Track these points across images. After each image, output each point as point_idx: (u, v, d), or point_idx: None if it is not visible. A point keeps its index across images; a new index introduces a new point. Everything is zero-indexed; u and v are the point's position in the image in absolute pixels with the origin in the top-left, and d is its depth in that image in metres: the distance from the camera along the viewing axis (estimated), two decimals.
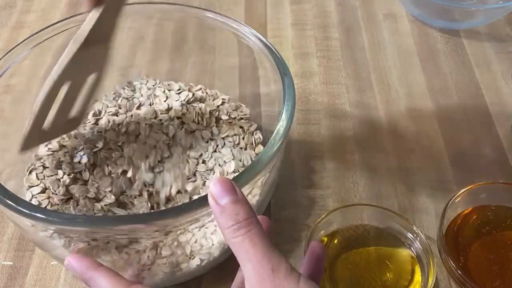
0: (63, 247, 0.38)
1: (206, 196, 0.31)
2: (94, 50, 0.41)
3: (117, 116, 0.50)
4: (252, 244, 0.29)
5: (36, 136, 0.42)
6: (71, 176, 0.45)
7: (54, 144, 0.48)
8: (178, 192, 0.45)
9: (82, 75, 0.43)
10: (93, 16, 0.39)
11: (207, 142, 0.49)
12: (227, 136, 0.49)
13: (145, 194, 0.45)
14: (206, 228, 0.41)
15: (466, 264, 0.43)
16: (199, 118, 0.50)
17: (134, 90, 0.54)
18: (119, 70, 0.55)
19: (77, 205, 0.44)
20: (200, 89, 0.54)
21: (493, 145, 0.56)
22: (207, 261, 0.42)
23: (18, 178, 0.46)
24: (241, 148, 0.49)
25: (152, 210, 0.44)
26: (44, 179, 0.46)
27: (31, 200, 0.45)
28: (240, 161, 0.48)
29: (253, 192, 0.41)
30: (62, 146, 0.48)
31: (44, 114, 0.41)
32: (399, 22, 0.70)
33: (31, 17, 0.71)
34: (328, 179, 0.53)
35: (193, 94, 0.52)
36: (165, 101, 0.52)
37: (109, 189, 0.45)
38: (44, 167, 0.47)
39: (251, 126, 0.51)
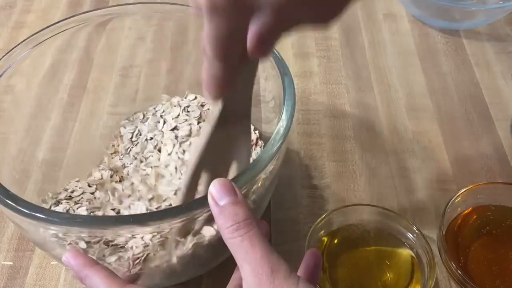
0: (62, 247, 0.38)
1: (206, 196, 0.31)
2: (233, 132, 0.37)
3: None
4: (251, 245, 0.29)
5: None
6: None
7: None
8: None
9: (224, 163, 0.38)
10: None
11: None
12: None
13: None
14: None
15: (466, 264, 0.43)
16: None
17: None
18: (119, 70, 0.55)
19: None
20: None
21: (493, 145, 0.56)
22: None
23: (18, 178, 0.46)
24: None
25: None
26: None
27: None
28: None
29: (253, 192, 0.41)
30: None
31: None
32: (399, 22, 0.70)
33: (31, 17, 0.71)
34: (328, 179, 0.53)
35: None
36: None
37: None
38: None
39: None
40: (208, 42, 0.30)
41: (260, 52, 0.30)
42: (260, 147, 0.50)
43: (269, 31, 0.29)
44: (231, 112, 0.35)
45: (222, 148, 0.36)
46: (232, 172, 0.38)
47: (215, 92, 0.33)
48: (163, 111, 0.53)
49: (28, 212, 0.34)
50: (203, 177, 0.37)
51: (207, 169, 0.37)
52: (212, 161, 0.36)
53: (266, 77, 0.47)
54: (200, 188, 0.37)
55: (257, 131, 0.51)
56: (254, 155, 0.49)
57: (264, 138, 0.51)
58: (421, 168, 0.54)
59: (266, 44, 0.30)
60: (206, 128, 0.35)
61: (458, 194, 0.46)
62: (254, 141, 0.50)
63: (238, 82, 0.34)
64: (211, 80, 0.32)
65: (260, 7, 0.28)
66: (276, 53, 0.44)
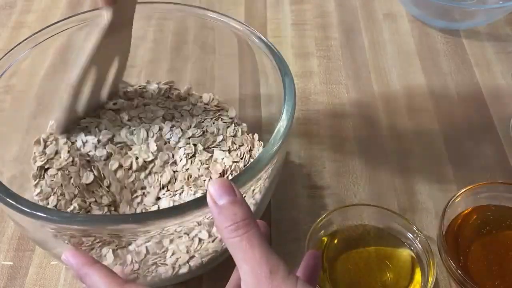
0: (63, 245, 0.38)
1: (205, 196, 0.31)
2: (117, 36, 0.43)
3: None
4: (250, 245, 0.29)
5: (70, 118, 0.46)
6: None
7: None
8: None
9: (107, 61, 0.45)
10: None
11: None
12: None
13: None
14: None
15: (466, 264, 0.43)
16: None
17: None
18: None
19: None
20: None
21: (493, 145, 0.56)
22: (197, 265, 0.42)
23: (18, 177, 0.46)
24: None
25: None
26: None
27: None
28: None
29: (253, 192, 0.41)
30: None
31: (76, 97, 0.45)
32: (399, 22, 0.70)
33: (31, 17, 0.71)
34: (328, 179, 0.53)
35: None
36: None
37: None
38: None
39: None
40: None
41: None
42: (261, 145, 0.50)
43: None
44: (119, 18, 0.42)
45: (107, 49, 0.44)
46: (114, 68, 0.47)
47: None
48: None
49: (29, 210, 0.34)
50: (90, 76, 0.45)
51: (94, 66, 0.44)
52: (98, 59, 0.43)
53: (266, 77, 0.47)
54: (88, 86, 0.46)
55: (256, 135, 0.51)
56: (254, 156, 0.49)
57: (264, 138, 0.51)
58: (421, 168, 0.54)
59: None
60: (97, 34, 0.42)
61: (458, 194, 0.46)
62: (251, 146, 0.50)
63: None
64: None
65: None
66: (277, 53, 0.44)
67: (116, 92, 0.51)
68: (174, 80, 0.55)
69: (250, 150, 0.49)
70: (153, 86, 0.53)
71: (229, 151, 0.48)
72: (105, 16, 0.41)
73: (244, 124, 0.51)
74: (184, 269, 0.41)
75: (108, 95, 0.50)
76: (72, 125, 0.48)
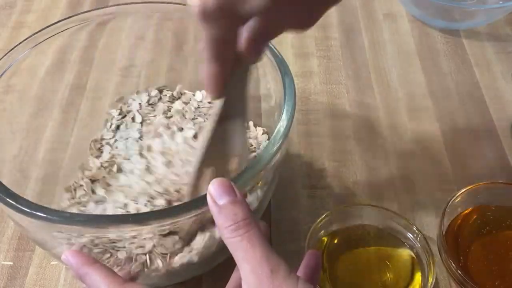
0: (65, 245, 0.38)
1: (205, 196, 0.31)
2: (230, 127, 0.40)
3: None
4: (250, 244, 0.29)
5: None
6: None
7: None
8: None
9: (225, 158, 0.40)
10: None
11: None
12: None
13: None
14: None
15: (466, 264, 0.43)
16: None
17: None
18: (119, 70, 0.55)
19: None
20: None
21: (493, 145, 0.56)
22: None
23: (18, 177, 0.46)
24: None
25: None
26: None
27: None
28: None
29: (253, 192, 0.41)
30: None
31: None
32: (399, 22, 0.70)
33: (31, 17, 0.71)
34: (328, 179, 0.53)
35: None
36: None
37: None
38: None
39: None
40: (204, 45, 0.34)
41: (252, 55, 0.34)
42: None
43: (259, 35, 0.33)
44: (229, 110, 0.38)
45: (221, 144, 0.39)
46: (233, 165, 0.41)
47: (214, 90, 0.37)
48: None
49: (29, 210, 0.34)
50: (206, 174, 0.39)
51: (208, 165, 0.39)
52: (212, 157, 0.39)
53: (266, 77, 0.47)
54: (204, 184, 0.40)
55: (259, 128, 0.51)
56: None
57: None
58: (421, 168, 0.54)
59: (257, 47, 0.34)
60: (209, 124, 0.38)
61: (458, 194, 0.46)
62: (257, 136, 0.50)
63: (235, 82, 0.37)
64: (208, 80, 0.36)
65: (249, 14, 0.32)
66: (277, 53, 0.44)
67: None
68: (174, 80, 0.55)
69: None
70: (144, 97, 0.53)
71: None
72: (216, 103, 0.38)
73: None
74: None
75: None
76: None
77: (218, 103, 0.38)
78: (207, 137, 0.38)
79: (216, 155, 0.39)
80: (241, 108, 0.40)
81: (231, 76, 0.36)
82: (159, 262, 0.39)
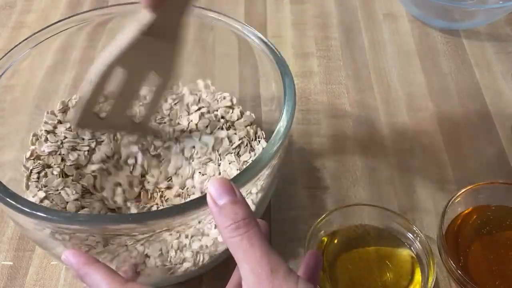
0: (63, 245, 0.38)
1: (205, 196, 0.31)
2: (158, 45, 0.40)
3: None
4: (250, 244, 0.29)
5: (89, 117, 0.41)
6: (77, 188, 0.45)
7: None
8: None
9: (141, 69, 0.41)
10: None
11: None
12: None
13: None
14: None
15: (466, 264, 0.43)
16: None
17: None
18: None
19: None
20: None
21: (493, 145, 0.56)
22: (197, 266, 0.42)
23: (18, 177, 0.46)
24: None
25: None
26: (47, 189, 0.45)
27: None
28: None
29: (253, 192, 0.41)
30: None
31: (97, 94, 0.39)
32: (399, 22, 0.70)
33: (31, 17, 0.71)
34: (328, 179, 0.53)
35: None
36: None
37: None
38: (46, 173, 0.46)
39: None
40: None
41: None
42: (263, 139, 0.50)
43: None
44: (160, 28, 0.39)
45: (142, 54, 0.39)
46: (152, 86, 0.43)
47: (150, 1, 0.38)
48: None
49: (29, 210, 0.34)
50: (115, 74, 0.39)
51: (123, 67, 0.40)
52: (129, 61, 0.39)
53: (266, 77, 0.47)
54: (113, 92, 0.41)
55: (259, 128, 0.51)
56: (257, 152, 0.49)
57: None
58: (421, 168, 0.54)
59: None
60: (133, 29, 0.38)
61: (458, 194, 0.46)
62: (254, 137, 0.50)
63: (174, 6, 0.39)
64: None
65: None
66: (277, 53, 0.44)
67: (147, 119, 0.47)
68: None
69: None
70: None
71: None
72: (147, 13, 0.38)
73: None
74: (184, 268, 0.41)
75: (145, 117, 0.46)
76: (91, 128, 0.45)
77: (148, 14, 0.38)
78: (126, 38, 0.38)
79: (134, 65, 0.40)
80: (175, 34, 0.41)
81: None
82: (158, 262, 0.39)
